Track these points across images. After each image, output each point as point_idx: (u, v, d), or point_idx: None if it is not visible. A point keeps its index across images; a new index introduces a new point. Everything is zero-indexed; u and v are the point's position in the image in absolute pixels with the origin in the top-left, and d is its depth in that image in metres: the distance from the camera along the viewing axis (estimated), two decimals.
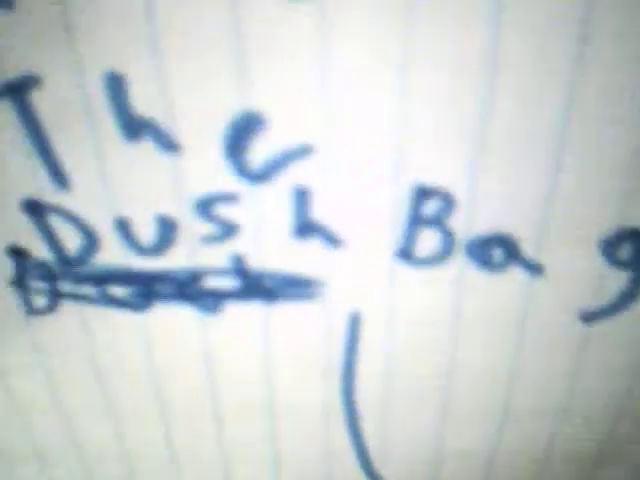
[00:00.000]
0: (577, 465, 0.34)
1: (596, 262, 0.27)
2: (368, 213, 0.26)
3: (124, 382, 0.32)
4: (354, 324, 0.29)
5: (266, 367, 0.31)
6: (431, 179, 0.25)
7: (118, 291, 0.29)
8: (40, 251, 0.28)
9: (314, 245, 0.27)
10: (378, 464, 0.34)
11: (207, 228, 0.27)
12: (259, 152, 0.25)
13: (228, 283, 0.28)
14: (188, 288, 0.28)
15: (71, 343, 0.31)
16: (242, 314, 0.29)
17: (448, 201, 0.25)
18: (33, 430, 0.34)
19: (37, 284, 0.29)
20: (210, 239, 0.27)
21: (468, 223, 0.26)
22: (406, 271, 0.28)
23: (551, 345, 0.29)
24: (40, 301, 0.29)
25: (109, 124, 0.25)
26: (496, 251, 0.27)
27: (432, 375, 0.31)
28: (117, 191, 0.26)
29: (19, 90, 0.24)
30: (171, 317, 0.30)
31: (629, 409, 0.31)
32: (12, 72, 0.24)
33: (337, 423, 0.32)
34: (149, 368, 0.31)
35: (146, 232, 0.27)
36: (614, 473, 0.35)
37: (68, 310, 0.30)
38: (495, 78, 0.23)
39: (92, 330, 0.30)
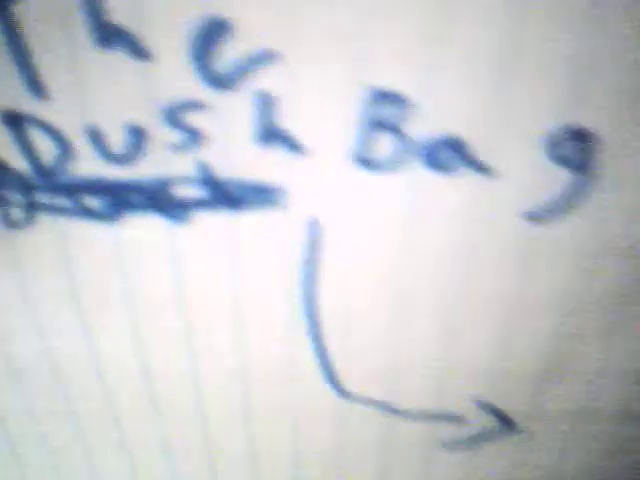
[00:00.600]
0: (534, 370, 0.35)
1: (542, 162, 0.28)
2: (328, 119, 0.28)
3: (98, 297, 0.33)
4: (315, 231, 0.31)
5: (232, 278, 0.32)
6: (386, 82, 0.27)
7: (92, 202, 0.30)
8: (16, 162, 0.29)
9: (278, 153, 0.29)
10: (342, 376, 0.36)
11: (175, 136, 0.28)
12: (225, 58, 0.26)
13: (196, 192, 0.30)
14: (157, 197, 0.30)
15: (48, 259, 0.32)
16: (209, 225, 0.31)
17: (402, 104, 0.27)
18: (10, 349, 0.35)
19: (14, 196, 0.30)
20: (178, 147, 0.28)
21: (421, 126, 0.28)
22: (365, 177, 0.29)
23: (501, 248, 0.31)
24: (17, 214, 0.31)
25: (84, 31, 0.26)
26: (448, 154, 0.28)
27: (389, 280, 0.32)
28: (90, 99, 0.27)
29: None
30: (142, 230, 0.31)
31: (577, 307, 0.33)
32: None
33: (301, 333, 0.34)
34: (121, 281, 0.33)
35: (117, 141, 0.28)
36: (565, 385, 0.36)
37: (45, 225, 0.31)
38: None
39: (68, 245, 0.32)
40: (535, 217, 0.30)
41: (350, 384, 0.36)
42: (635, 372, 0.36)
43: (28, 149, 0.29)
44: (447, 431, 0.38)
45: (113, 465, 0.40)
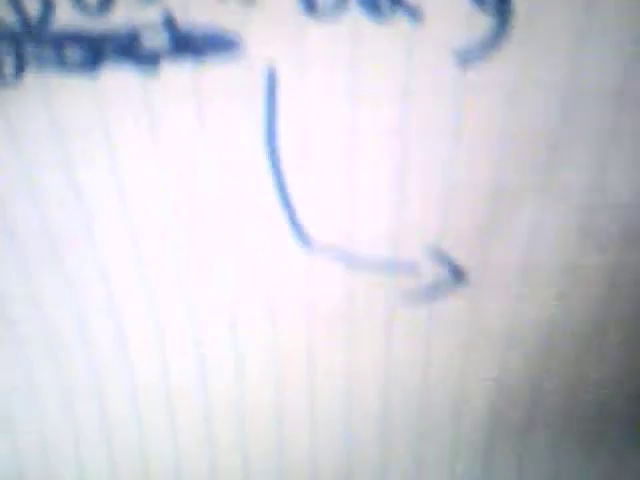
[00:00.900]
0: (477, 222, 0.39)
1: (466, 6, 0.31)
2: None
3: (84, 153, 0.37)
4: (272, 82, 0.34)
5: (201, 133, 0.36)
6: None
7: (72, 53, 0.34)
8: (7, 17, 0.33)
9: (233, 2, 0.32)
10: (305, 224, 0.39)
11: None
12: None
13: (161, 42, 0.33)
14: (128, 46, 0.33)
15: (36, 117, 0.36)
16: (176, 80, 0.34)
17: None
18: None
19: (4, 48, 0.34)
20: None
21: None
22: (312, 26, 0.32)
23: (435, 93, 0.34)
24: (8, 67, 0.35)
25: None
26: None
27: (339, 127, 0.36)
28: None
29: None
30: (119, 83, 0.35)
31: (510, 147, 0.36)
32: None
33: (268, 184, 0.38)
34: (104, 137, 0.37)
35: None
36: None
37: (32, 84, 0.35)
38: None
39: (55, 103, 0.36)
40: (463, 59, 0.33)
41: (312, 232, 0.39)
42: (577, 227, 0.38)
43: (16, 4, 0.33)
44: (404, 284, 0.41)
45: (100, 322, 0.44)
